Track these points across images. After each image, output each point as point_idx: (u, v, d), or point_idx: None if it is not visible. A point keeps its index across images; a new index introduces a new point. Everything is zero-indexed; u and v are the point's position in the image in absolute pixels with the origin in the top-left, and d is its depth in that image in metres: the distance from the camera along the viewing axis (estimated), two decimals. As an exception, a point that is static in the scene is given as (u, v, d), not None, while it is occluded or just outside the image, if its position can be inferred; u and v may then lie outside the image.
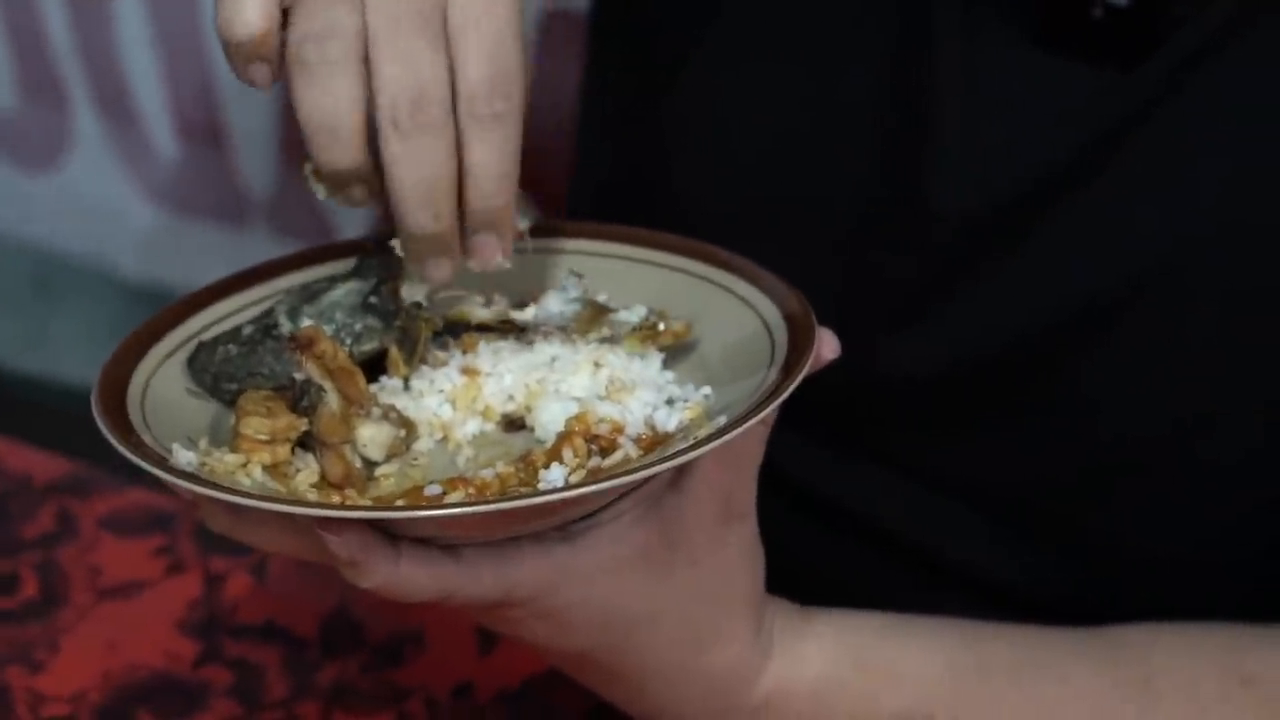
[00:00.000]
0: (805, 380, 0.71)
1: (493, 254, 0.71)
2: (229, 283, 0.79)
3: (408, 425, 0.74)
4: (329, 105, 0.67)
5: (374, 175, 0.69)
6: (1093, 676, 0.80)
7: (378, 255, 0.78)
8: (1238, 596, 0.85)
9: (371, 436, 0.72)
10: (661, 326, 0.76)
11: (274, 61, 0.68)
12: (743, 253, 0.77)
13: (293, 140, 1.84)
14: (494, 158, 0.68)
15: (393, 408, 0.74)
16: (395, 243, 0.73)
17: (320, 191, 0.72)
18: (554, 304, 0.78)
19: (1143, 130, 0.81)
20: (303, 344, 0.71)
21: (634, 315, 0.77)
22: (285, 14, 0.68)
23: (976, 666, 0.79)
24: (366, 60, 0.67)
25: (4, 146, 2.02)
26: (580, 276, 0.79)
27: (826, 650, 0.78)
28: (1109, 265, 0.83)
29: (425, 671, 0.97)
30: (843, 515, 0.94)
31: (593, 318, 0.77)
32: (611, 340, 0.75)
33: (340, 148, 0.68)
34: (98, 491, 1.10)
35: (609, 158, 1.01)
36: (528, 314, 0.77)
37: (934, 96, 0.85)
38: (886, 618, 0.80)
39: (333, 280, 0.77)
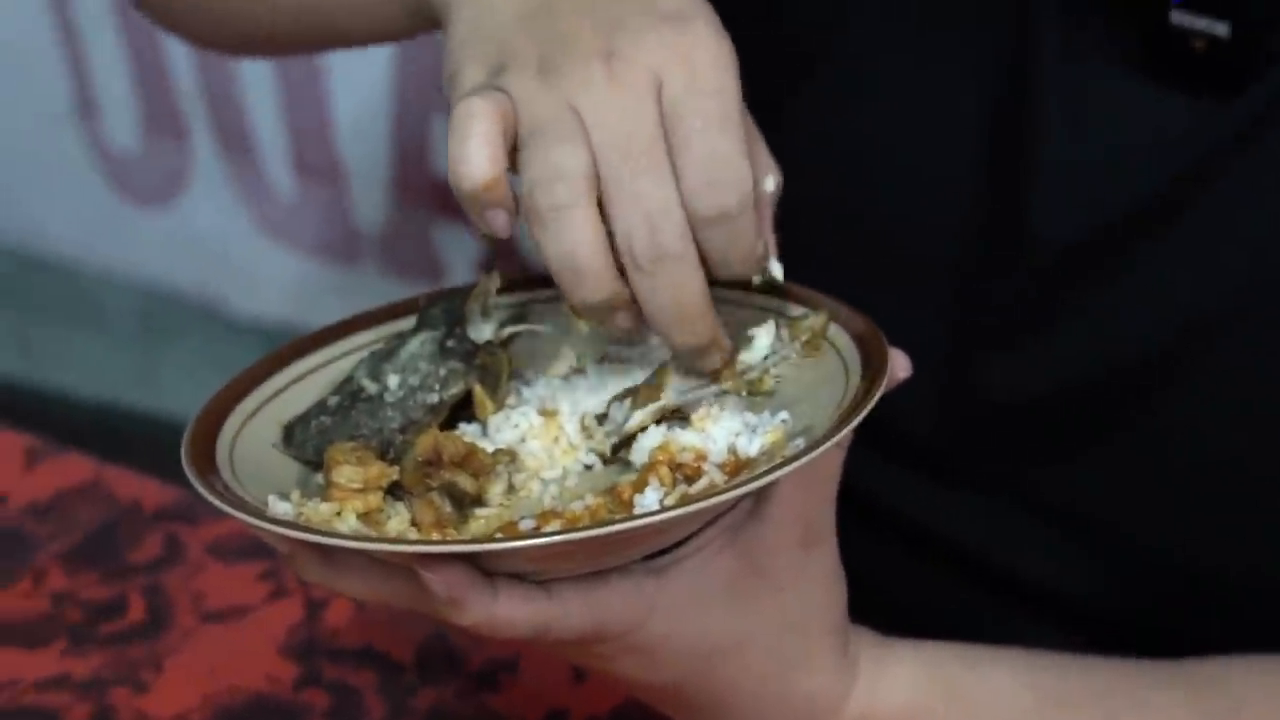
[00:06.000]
0: (897, 405, 0.71)
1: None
2: (300, 344, 0.79)
3: (511, 457, 0.75)
4: (567, 249, 0.69)
5: (632, 301, 0.71)
6: (1178, 707, 0.80)
7: (438, 305, 0.78)
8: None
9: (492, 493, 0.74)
10: (807, 326, 0.76)
11: (509, 207, 0.71)
12: (846, 273, 0.77)
13: (404, 179, 1.86)
14: (731, 249, 0.71)
15: (512, 454, 0.75)
16: (452, 289, 0.72)
17: (582, 326, 0.75)
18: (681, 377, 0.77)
19: (1239, 160, 0.81)
20: (433, 461, 0.72)
21: (758, 351, 0.76)
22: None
23: (1063, 697, 0.79)
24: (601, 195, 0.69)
25: (123, 182, 2.05)
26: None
27: (913, 679, 0.78)
28: (1206, 292, 0.83)
29: (519, 699, 0.98)
30: (930, 539, 0.93)
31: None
32: (752, 378, 0.75)
33: (586, 287, 0.70)
34: (205, 518, 1.12)
35: None
36: (669, 396, 0.76)
37: (1038, 122, 0.85)
38: (970, 648, 0.80)
39: (401, 337, 0.78)
